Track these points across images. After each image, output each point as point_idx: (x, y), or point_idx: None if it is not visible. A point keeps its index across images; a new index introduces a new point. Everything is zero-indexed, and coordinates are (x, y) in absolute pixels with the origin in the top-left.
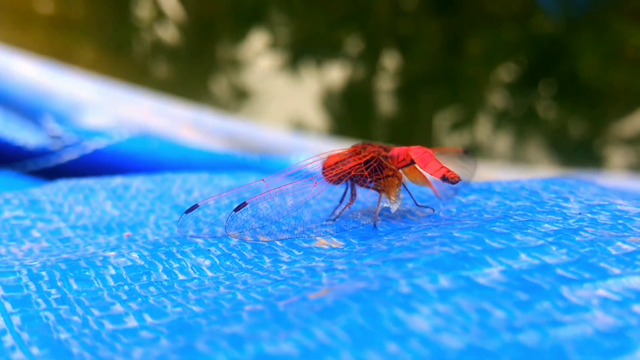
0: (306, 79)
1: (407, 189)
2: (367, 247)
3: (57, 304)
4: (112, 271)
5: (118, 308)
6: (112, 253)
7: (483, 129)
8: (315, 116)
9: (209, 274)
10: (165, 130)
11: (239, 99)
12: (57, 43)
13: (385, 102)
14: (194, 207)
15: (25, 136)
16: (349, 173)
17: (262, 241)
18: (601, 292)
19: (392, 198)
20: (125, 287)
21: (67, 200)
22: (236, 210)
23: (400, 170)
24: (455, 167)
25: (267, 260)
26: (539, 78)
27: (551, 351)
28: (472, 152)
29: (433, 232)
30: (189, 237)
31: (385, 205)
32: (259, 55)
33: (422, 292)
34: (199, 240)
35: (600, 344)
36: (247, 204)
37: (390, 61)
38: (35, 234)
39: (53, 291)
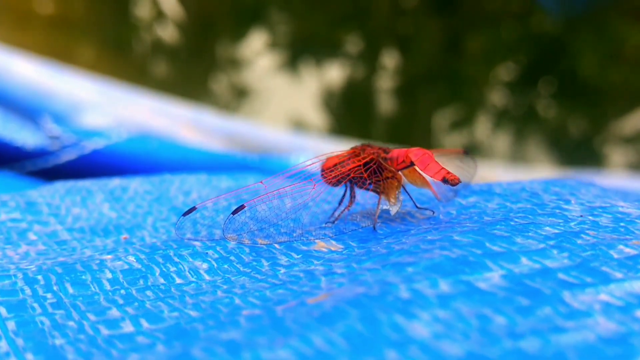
0: (306, 78)
1: (406, 191)
2: (367, 250)
3: (53, 309)
4: (109, 275)
5: (114, 313)
6: (109, 256)
7: (483, 128)
8: (315, 115)
9: (207, 277)
10: (165, 129)
11: (238, 98)
12: (56, 43)
13: (385, 101)
14: (192, 209)
15: (24, 136)
16: (348, 175)
17: (261, 244)
18: (603, 297)
19: (392, 200)
20: (122, 291)
21: (64, 202)
22: (234, 212)
23: (399, 172)
24: (455, 168)
25: (265, 263)
26: (538, 77)
27: (553, 358)
28: (471, 151)
29: (433, 235)
30: (186, 240)
31: (385, 207)
32: (258, 55)
33: (422, 297)
34: (197, 243)
35: (602, 351)
36: (245, 206)
37: (390, 60)
38: (32, 236)
39: (49, 295)
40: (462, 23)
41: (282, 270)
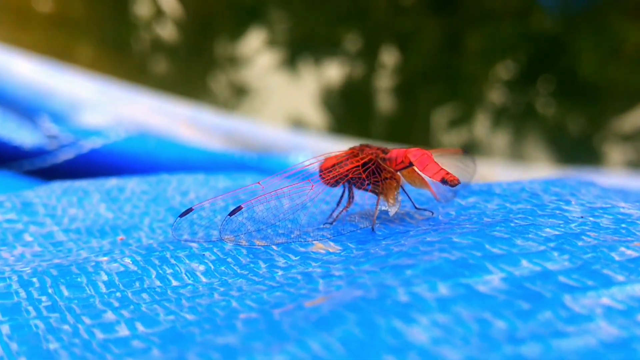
0: (305, 76)
1: (405, 192)
2: (365, 252)
3: (48, 312)
4: (105, 277)
5: (110, 316)
6: (105, 258)
7: (482, 126)
8: (314, 114)
9: (203, 279)
10: (165, 128)
11: (237, 96)
12: (56, 42)
13: (384, 99)
14: (189, 210)
15: (22, 136)
16: (347, 175)
17: (258, 245)
18: (605, 300)
19: (391, 201)
20: (118, 294)
21: (60, 203)
22: (231, 214)
23: (398, 173)
24: (454, 169)
25: (262, 265)
26: (537, 75)
27: None
28: (470, 149)
29: (432, 236)
30: (183, 241)
31: (384, 208)
32: (257, 53)
33: (421, 301)
34: (194, 245)
35: (605, 357)
36: (242, 207)
37: (389, 58)
38: (28, 237)
39: (44, 298)
40: (462, 21)
41: (280, 273)
